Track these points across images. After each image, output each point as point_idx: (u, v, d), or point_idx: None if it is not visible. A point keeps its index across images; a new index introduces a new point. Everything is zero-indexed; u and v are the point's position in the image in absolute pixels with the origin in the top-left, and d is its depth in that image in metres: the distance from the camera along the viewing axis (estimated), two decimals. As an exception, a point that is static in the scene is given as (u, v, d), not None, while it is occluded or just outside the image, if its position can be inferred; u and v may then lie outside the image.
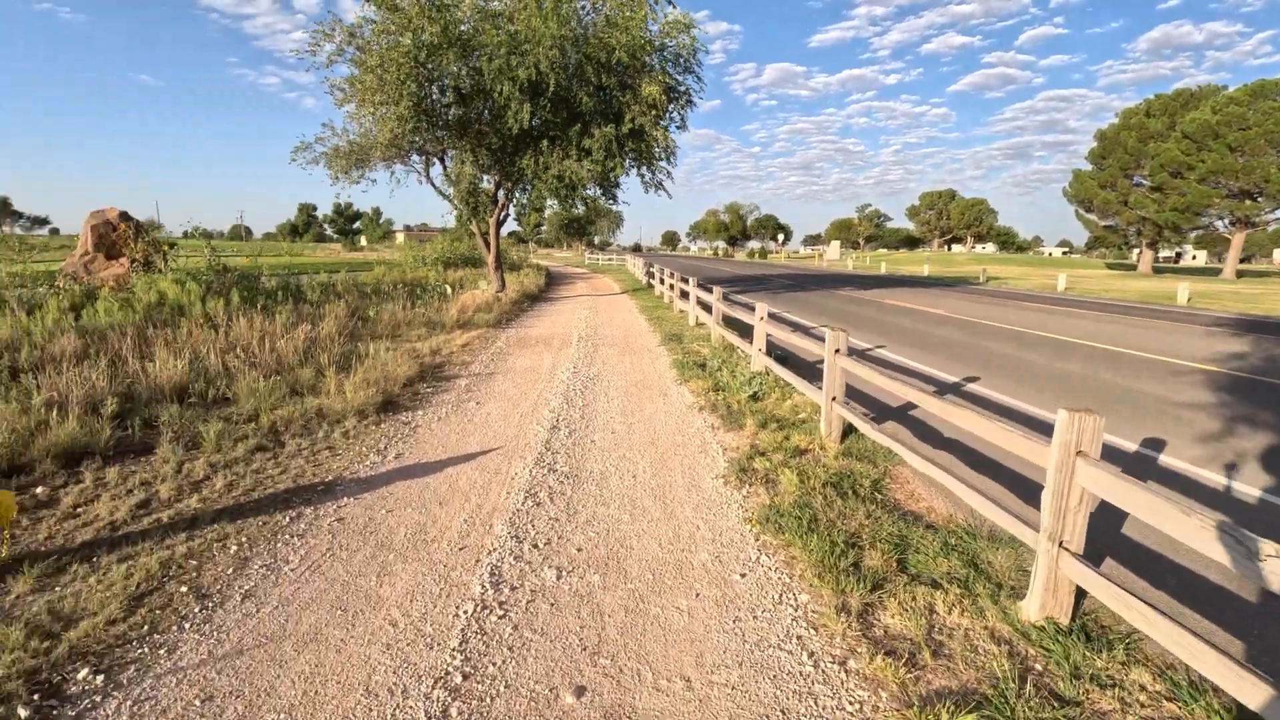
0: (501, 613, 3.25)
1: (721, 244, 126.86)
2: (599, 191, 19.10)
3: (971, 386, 8.31)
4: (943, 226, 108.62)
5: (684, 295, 16.32)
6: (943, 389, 8.11)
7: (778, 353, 9.50)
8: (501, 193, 18.98)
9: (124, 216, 13.35)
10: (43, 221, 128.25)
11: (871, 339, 12.35)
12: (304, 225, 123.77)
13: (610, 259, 57.00)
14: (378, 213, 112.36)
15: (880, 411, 7.06)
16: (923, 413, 6.87)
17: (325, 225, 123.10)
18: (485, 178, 19.09)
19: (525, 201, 20.41)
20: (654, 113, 16.18)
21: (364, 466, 5.33)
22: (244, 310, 10.96)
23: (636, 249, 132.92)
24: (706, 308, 14.20)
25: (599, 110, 16.30)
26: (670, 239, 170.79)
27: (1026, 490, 4.78)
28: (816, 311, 17.58)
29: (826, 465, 5.22)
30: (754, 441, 5.91)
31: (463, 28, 15.26)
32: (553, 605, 3.33)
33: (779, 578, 3.62)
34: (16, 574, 3.46)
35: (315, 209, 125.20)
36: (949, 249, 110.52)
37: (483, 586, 3.50)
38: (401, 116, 14.85)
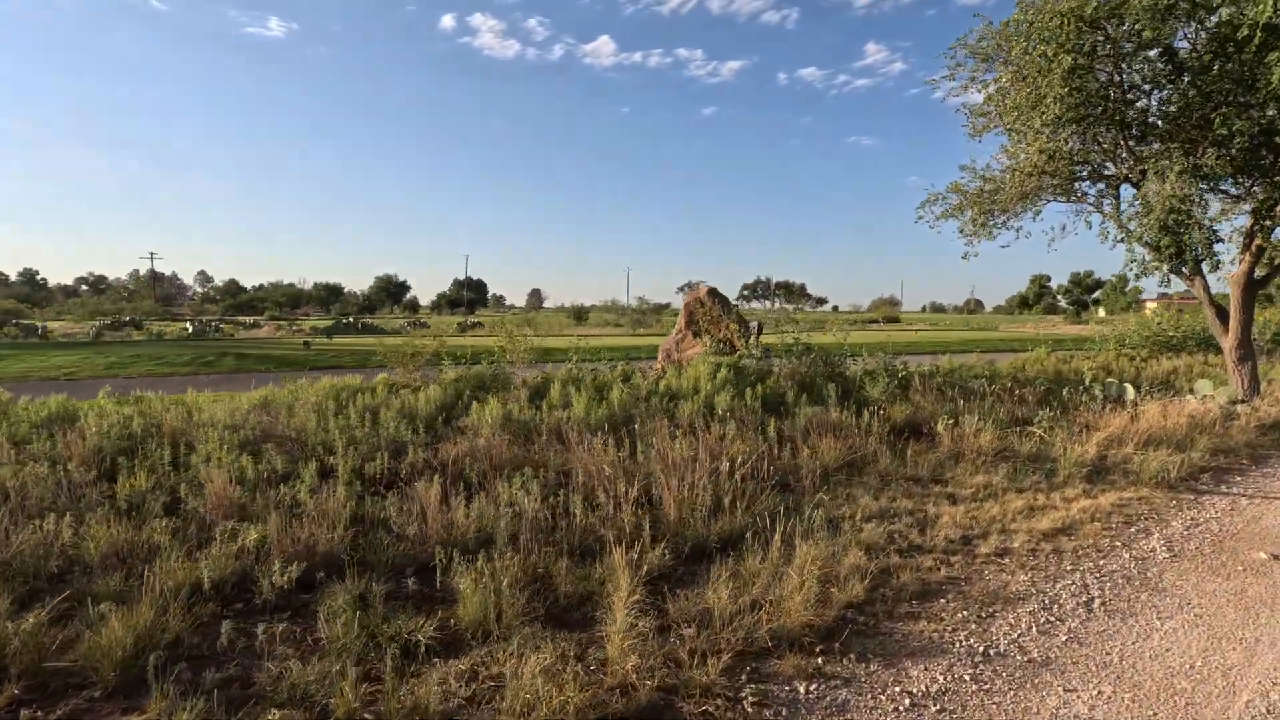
0: None
1: None
2: None
3: None
4: None
5: None
6: None
7: None
8: (1257, 225, 10.48)
9: (712, 293, 12.71)
10: (822, 300, 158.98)
11: None
12: (1035, 297, 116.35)
13: None
14: (1123, 280, 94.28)
15: None
16: None
17: (1059, 297, 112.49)
18: (1214, 202, 10.89)
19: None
20: None
21: None
22: (753, 408, 8.21)
23: None
24: None
25: None
26: None
27: None
28: None
29: None
30: None
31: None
32: None
33: None
34: None
35: (1049, 279, 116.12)
36: None
37: None
38: (1053, 115, 9.41)
